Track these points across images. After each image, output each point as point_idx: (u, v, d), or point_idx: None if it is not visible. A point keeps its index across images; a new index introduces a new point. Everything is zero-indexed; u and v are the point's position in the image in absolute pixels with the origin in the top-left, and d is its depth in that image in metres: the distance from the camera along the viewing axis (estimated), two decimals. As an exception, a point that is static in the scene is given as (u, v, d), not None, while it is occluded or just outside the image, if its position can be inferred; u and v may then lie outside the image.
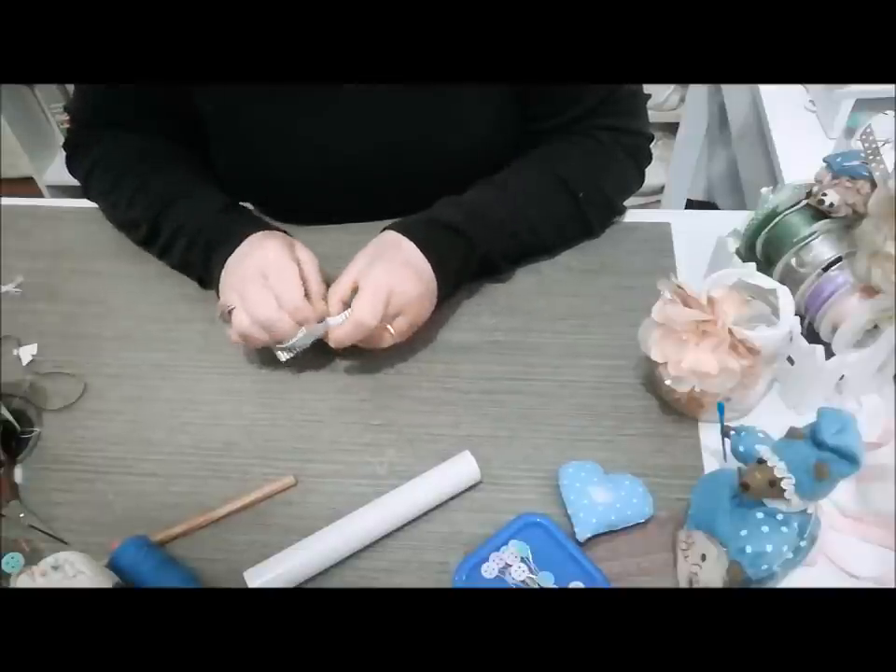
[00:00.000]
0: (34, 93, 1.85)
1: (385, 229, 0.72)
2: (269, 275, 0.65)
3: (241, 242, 0.70)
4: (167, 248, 0.78)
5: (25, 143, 1.83)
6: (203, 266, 0.74)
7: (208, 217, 0.74)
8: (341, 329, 0.66)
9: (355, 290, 0.67)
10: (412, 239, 0.70)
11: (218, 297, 0.70)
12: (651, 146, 0.83)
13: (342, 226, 0.84)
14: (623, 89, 0.79)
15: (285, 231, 0.74)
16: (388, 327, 0.67)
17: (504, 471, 0.64)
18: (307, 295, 0.67)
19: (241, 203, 0.79)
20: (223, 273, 0.70)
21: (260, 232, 0.71)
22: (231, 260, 0.69)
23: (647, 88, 0.84)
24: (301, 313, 0.65)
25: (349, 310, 0.67)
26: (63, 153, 0.85)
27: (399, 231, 0.71)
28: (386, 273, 0.66)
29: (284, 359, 0.68)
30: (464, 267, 0.74)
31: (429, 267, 0.69)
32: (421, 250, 0.69)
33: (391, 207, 0.84)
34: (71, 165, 0.84)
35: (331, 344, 0.67)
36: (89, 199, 0.85)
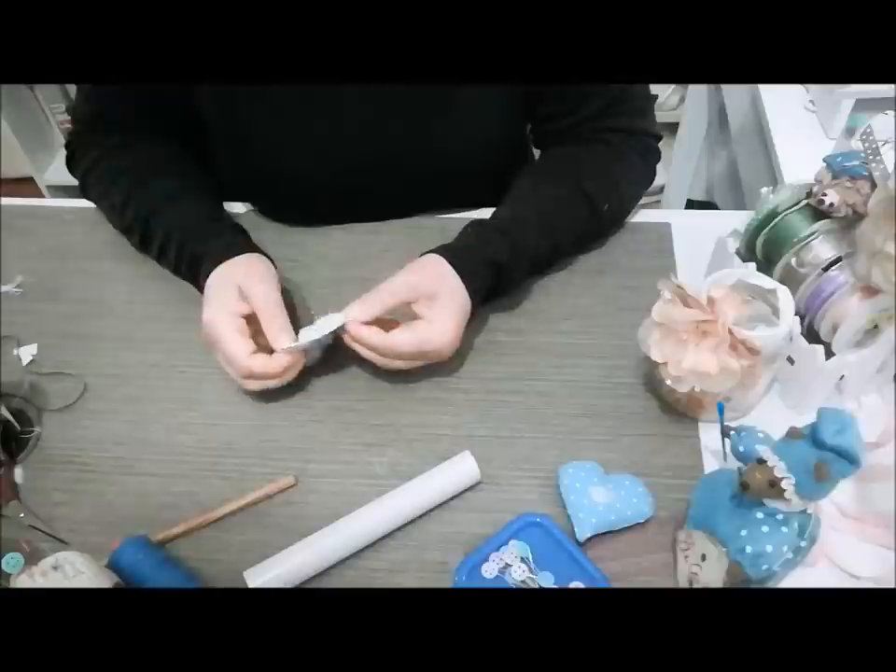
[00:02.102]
0: (34, 93, 1.85)
1: (432, 252, 0.70)
2: (215, 344, 0.66)
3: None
4: (161, 257, 0.78)
5: (25, 143, 1.82)
6: (194, 283, 0.75)
7: (191, 226, 0.75)
8: (372, 333, 0.65)
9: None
10: (466, 284, 0.68)
11: None
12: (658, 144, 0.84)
13: (343, 226, 0.84)
14: (631, 89, 0.79)
15: (258, 251, 0.73)
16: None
17: (504, 471, 0.64)
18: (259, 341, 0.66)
19: (239, 204, 0.79)
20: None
21: (211, 276, 0.69)
22: None
23: (647, 88, 0.84)
24: (250, 371, 0.65)
25: (341, 314, 0.66)
26: (64, 153, 0.85)
27: (457, 270, 0.68)
28: (445, 332, 0.65)
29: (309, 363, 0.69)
30: (490, 296, 0.74)
31: (469, 311, 0.69)
32: (471, 297, 0.68)
33: (393, 208, 0.84)
34: (70, 166, 0.85)
35: (348, 331, 0.66)
36: (86, 199, 0.85)
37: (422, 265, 0.69)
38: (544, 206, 0.76)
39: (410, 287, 0.67)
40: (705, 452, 0.65)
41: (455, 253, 0.70)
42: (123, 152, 0.80)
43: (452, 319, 0.66)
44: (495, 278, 0.72)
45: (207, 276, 0.70)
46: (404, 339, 0.65)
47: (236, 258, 0.71)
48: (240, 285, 0.67)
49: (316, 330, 0.66)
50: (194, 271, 0.73)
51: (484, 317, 0.75)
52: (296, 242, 0.72)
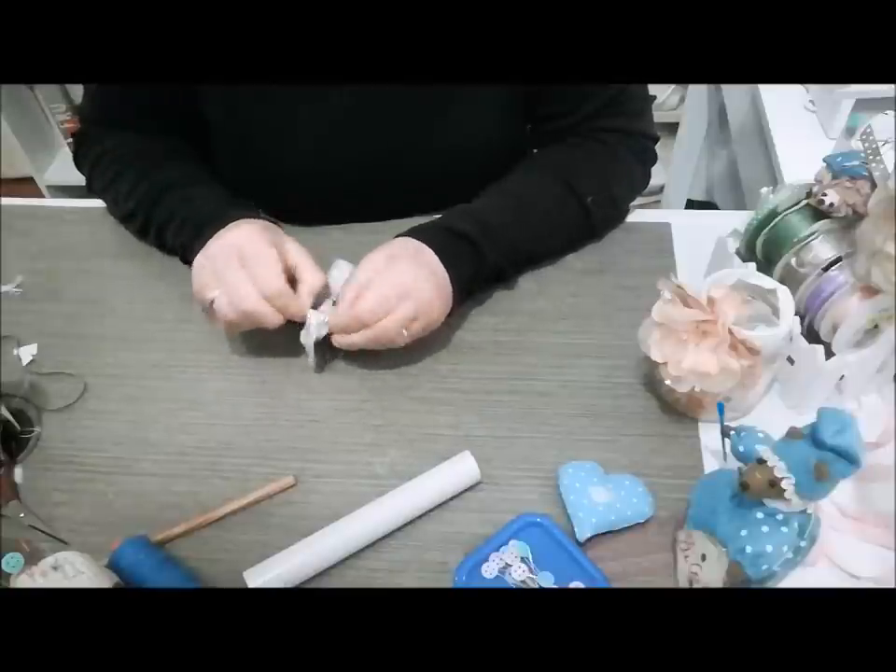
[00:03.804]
0: (34, 93, 1.85)
1: (397, 236, 0.71)
2: (246, 258, 0.64)
3: (228, 223, 0.68)
4: (162, 231, 0.77)
5: (25, 143, 1.82)
6: (190, 243, 0.71)
7: (207, 202, 0.74)
8: (338, 318, 0.66)
9: None
10: (429, 245, 0.69)
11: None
12: (655, 146, 0.84)
13: (342, 226, 0.84)
14: (629, 90, 0.79)
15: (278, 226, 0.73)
16: (403, 330, 0.66)
17: (504, 471, 0.64)
18: (294, 287, 0.66)
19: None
20: (200, 254, 0.67)
21: (243, 219, 0.69)
22: (210, 241, 0.67)
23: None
24: (282, 300, 0.64)
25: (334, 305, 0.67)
26: (64, 153, 0.86)
27: (415, 237, 0.70)
28: (404, 273, 0.65)
29: (313, 365, 0.70)
30: (476, 276, 0.73)
31: (446, 272, 0.69)
32: (438, 256, 0.68)
33: (392, 208, 0.84)
34: (77, 162, 0.85)
35: (330, 327, 0.66)
36: (92, 193, 0.85)
37: (381, 245, 0.70)
38: (522, 195, 0.76)
39: (373, 262, 0.67)
40: (705, 452, 0.65)
41: (414, 228, 0.72)
42: (129, 147, 0.81)
43: (413, 265, 0.66)
44: (472, 255, 0.71)
45: (223, 226, 0.67)
46: (370, 294, 0.65)
47: (259, 220, 0.70)
48: (273, 238, 0.67)
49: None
50: (203, 228, 0.69)
51: (484, 317, 0.75)
52: (296, 242, 0.72)
